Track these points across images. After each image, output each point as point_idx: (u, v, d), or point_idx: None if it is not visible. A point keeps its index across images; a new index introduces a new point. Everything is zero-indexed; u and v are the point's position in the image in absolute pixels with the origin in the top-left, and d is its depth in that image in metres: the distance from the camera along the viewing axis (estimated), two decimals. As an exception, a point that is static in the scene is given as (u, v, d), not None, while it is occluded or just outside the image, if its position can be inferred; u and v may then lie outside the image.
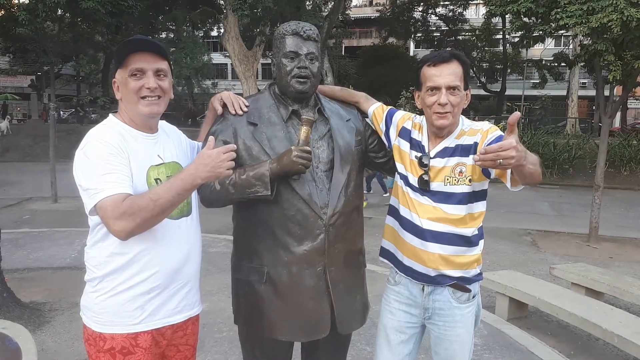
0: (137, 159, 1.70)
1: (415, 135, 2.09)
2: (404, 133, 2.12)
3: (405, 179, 2.06)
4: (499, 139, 1.83)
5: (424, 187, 1.99)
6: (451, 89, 1.91)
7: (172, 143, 1.88)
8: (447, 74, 1.91)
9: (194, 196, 1.89)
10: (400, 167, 2.10)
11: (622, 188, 14.39)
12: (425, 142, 2.05)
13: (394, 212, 2.14)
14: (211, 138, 1.69)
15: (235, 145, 1.72)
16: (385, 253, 2.21)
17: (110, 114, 1.80)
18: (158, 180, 1.73)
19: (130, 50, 1.69)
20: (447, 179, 1.96)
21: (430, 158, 2.00)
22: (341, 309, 2.00)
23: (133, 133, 1.74)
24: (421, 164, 2.01)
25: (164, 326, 1.78)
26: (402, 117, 2.16)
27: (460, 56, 1.97)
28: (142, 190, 1.67)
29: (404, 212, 2.07)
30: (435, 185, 1.97)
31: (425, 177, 1.98)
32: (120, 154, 1.64)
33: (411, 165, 2.04)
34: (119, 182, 1.58)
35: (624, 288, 4.49)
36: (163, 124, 1.90)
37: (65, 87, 32.87)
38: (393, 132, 2.15)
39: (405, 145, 2.10)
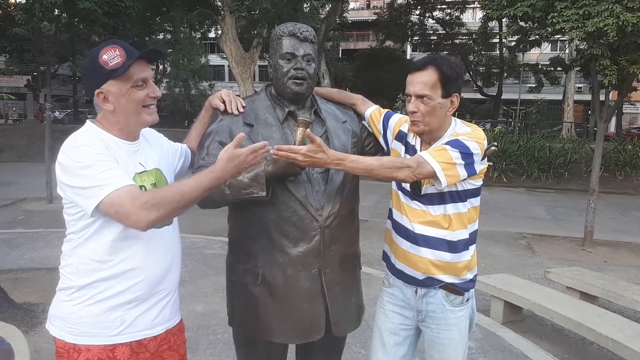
0: (123, 166, 1.65)
1: (410, 139, 2.10)
2: (400, 137, 2.13)
3: (398, 182, 2.06)
4: (453, 142, 1.89)
5: (414, 191, 2.00)
6: (420, 97, 1.92)
7: (152, 149, 1.84)
8: (417, 82, 1.93)
9: None
10: None
11: (617, 192, 14.43)
12: (418, 147, 2.06)
13: (390, 215, 2.16)
14: (241, 135, 1.66)
15: (267, 142, 1.70)
16: (383, 256, 2.22)
17: (88, 121, 1.73)
18: (143, 187, 1.68)
19: (134, 60, 1.62)
20: (429, 180, 1.95)
21: None
22: (336, 311, 1.99)
23: (115, 141, 1.69)
24: None
25: (144, 338, 1.71)
26: (399, 121, 2.16)
27: (439, 62, 1.93)
28: None
29: (396, 215, 2.09)
30: (423, 188, 1.99)
31: (415, 183, 1.98)
32: (110, 156, 1.60)
33: None
34: (123, 176, 1.54)
35: (618, 292, 4.50)
36: (145, 130, 1.85)
37: (61, 87, 32.79)
38: (390, 136, 2.16)
39: (401, 148, 2.11)
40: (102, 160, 1.55)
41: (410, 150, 2.07)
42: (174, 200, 1.52)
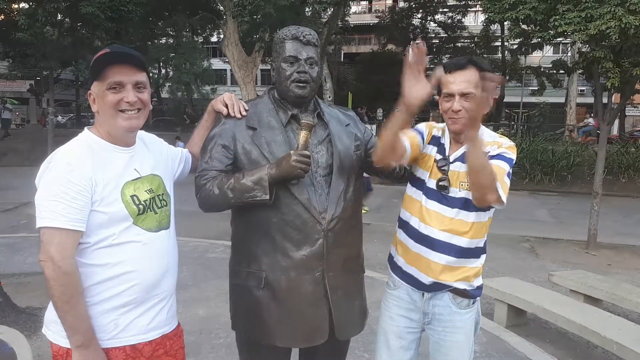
0: (111, 175, 1.65)
1: (442, 140, 2.10)
2: (435, 140, 2.11)
3: (421, 184, 2.04)
4: (506, 159, 1.93)
5: (442, 191, 1.99)
6: (464, 95, 1.93)
7: (150, 154, 1.83)
8: (460, 80, 1.94)
9: (173, 209, 1.85)
10: (420, 172, 2.08)
11: (620, 195, 14.38)
12: (447, 146, 2.06)
13: (401, 221, 2.14)
14: None
15: None
16: (389, 259, 2.21)
17: (85, 128, 1.75)
18: (134, 197, 1.67)
19: (108, 62, 1.63)
20: (461, 185, 1.97)
21: (450, 163, 2.01)
22: (340, 315, 1.98)
23: (108, 147, 1.69)
24: (440, 168, 2.02)
25: (139, 343, 1.70)
26: (428, 126, 2.15)
27: (478, 62, 1.97)
28: (118, 209, 1.63)
29: (409, 219, 2.07)
30: (452, 190, 1.98)
31: (443, 182, 1.98)
32: (80, 182, 1.57)
33: (433, 167, 2.04)
34: (65, 214, 1.54)
35: (622, 295, 4.48)
36: (142, 135, 1.85)
37: (64, 92, 32.82)
38: (426, 139, 2.13)
39: (432, 150, 2.09)
40: (63, 186, 1.55)
41: (440, 150, 2.07)
42: (64, 291, 1.54)
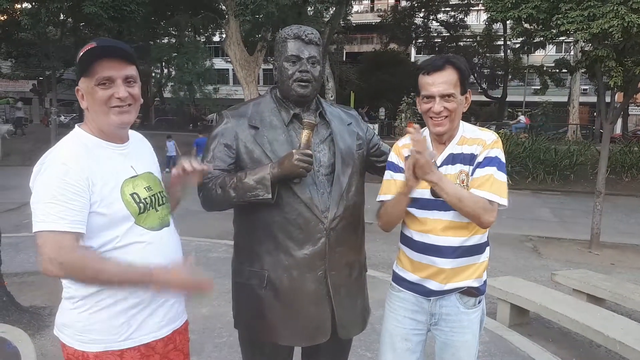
0: (108, 173, 1.60)
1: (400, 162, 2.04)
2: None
3: (416, 200, 1.99)
4: (490, 160, 1.91)
5: (438, 196, 1.94)
6: (445, 96, 1.91)
7: (143, 152, 1.80)
8: (440, 82, 1.91)
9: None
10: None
11: (623, 194, 14.33)
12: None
13: (403, 237, 2.11)
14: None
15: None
16: (394, 279, 2.16)
17: (76, 125, 1.69)
18: (134, 195, 1.64)
19: (96, 57, 1.56)
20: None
21: (438, 167, 1.98)
22: (342, 314, 1.99)
23: (102, 144, 1.64)
24: None
25: (152, 341, 1.69)
26: (396, 153, 2.09)
27: (455, 61, 1.94)
28: (119, 208, 1.59)
29: (411, 233, 2.03)
30: None
31: None
32: (77, 182, 1.52)
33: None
34: (63, 217, 1.48)
35: (625, 295, 4.46)
36: (132, 133, 1.81)
37: (66, 91, 32.89)
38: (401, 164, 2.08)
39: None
40: (59, 188, 1.50)
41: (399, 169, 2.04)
42: (86, 275, 1.51)
